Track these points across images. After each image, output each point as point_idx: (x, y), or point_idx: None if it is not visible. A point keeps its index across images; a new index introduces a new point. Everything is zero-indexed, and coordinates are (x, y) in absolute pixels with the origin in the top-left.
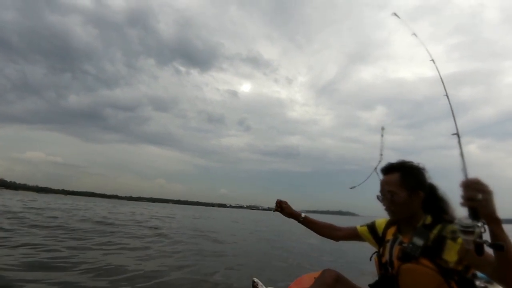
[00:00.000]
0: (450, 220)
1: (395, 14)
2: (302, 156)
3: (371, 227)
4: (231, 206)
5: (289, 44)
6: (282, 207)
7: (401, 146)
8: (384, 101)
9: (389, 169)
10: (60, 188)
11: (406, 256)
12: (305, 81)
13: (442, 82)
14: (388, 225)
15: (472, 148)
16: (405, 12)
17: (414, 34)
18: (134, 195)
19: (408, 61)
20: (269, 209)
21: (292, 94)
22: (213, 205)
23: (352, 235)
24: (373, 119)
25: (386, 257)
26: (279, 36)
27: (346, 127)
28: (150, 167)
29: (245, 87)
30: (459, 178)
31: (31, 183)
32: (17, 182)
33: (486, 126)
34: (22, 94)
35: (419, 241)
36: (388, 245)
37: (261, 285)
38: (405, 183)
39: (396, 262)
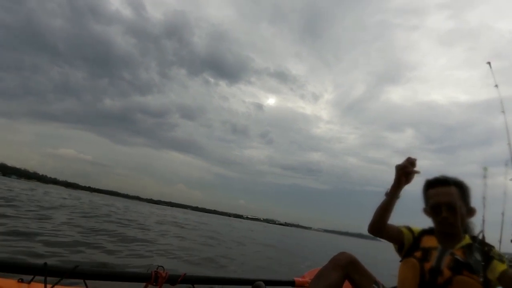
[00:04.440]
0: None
1: (489, 64)
2: (323, 173)
3: (410, 228)
4: (247, 218)
5: (317, 61)
6: (409, 175)
7: (428, 171)
8: (413, 124)
9: (446, 181)
10: (87, 185)
11: (460, 268)
12: (331, 99)
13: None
14: (424, 232)
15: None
16: (438, 36)
17: (496, 85)
18: (155, 198)
19: (442, 84)
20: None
21: (317, 111)
22: (229, 215)
23: (394, 234)
24: (400, 141)
25: (432, 264)
26: (308, 53)
27: (371, 148)
28: (172, 172)
29: (271, 101)
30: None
31: (61, 178)
32: (48, 176)
33: None
34: (62, 95)
35: (478, 258)
36: (435, 253)
37: None
38: (464, 198)
39: (446, 272)
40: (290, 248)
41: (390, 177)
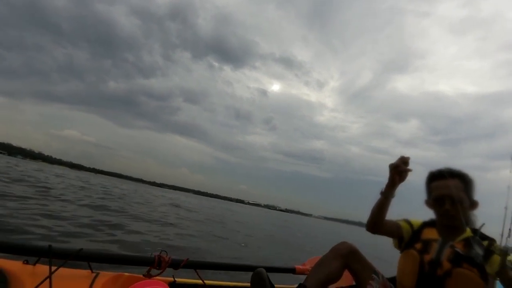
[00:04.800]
0: (486, 237)
1: None
2: (326, 161)
3: (408, 222)
4: (249, 203)
5: (324, 47)
6: (402, 174)
7: (431, 162)
8: (418, 114)
9: (450, 174)
10: (91, 167)
11: (460, 260)
12: (336, 86)
13: None
14: (424, 225)
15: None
16: (449, 24)
17: None
18: (158, 181)
19: (450, 75)
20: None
21: (322, 98)
22: (231, 199)
23: (392, 229)
24: (404, 131)
25: (432, 256)
26: (315, 39)
27: (374, 137)
28: (175, 155)
29: (275, 87)
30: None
31: (65, 158)
32: (53, 156)
33: None
34: (66, 76)
35: (479, 250)
36: (435, 245)
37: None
38: (468, 191)
39: (446, 264)
40: (291, 234)
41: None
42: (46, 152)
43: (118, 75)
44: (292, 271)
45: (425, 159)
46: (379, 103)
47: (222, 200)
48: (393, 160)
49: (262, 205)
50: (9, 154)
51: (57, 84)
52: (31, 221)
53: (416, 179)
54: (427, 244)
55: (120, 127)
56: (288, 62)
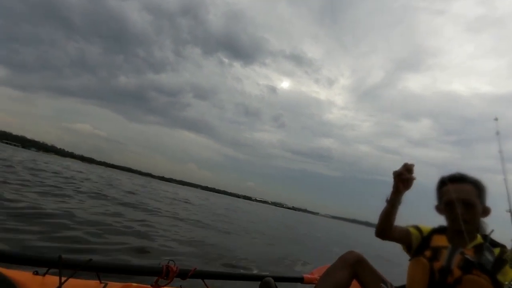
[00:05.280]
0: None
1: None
2: (334, 160)
3: (418, 228)
4: (256, 200)
5: (335, 44)
6: (406, 182)
7: (443, 163)
8: (431, 114)
9: (462, 179)
10: (102, 161)
11: (470, 267)
12: (347, 84)
13: None
14: (434, 232)
15: None
16: (464, 22)
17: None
18: (166, 176)
19: (464, 74)
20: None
21: (332, 96)
22: (238, 196)
23: (401, 235)
24: (416, 131)
25: (442, 263)
26: (325, 36)
27: (384, 136)
28: (183, 151)
29: (285, 84)
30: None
31: (77, 152)
32: (66, 149)
33: None
34: (78, 70)
35: (490, 257)
36: (445, 252)
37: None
38: (480, 197)
39: (456, 271)
40: (299, 232)
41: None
42: (59, 145)
43: (129, 70)
44: (300, 280)
45: (436, 160)
46: (390, 102)
47: (229, 196)
48: (403, 161)
49: (269, 202)
50: (23, 147)
51: (69, 78)
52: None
53: (427, 181)
54: (436, 251)
55: (130, 121)
56: (298, 59)
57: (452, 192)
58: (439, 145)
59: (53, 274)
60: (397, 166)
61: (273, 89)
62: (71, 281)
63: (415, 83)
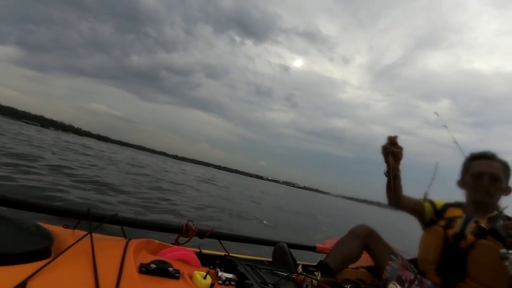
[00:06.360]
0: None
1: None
2: (346, 140)
3: (431, 202)
4: (268, 179)
5: (352, 20)
6: (396, 152)
7: (460, 145)
8: (450, 94)
9: (492, 157)
10: (118, 139)
11: (484, 234)
12: (363, 63)
13: None
14: (448, 205)
15: None
16: None
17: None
18: (180, 155)
19: (489, 52)
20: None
21: (346, 75)
22: (250, 175)
23: (414, 206)
24: (434, 111)
25: (456, 230)
26: (341, 11)
27: (400, 117)
28: (195, 130)
29: (297, 63)
30: None
31: (93, 131)
32: (83, 129)
33: None
34: (92, 50)
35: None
36: (459, 220)
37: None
38: (506, 175)
39: (470, 237)
40: (311, 211)
41: (417, 149)
42: (76, 125)
43: (141, 50)
44: (313, 249)
45: (453, 142)
46: (408, 81)
47: (242, 175)
48: (420, 142)
49: (281, 181)
50: (42, 126)
51: (83, 58)
52: None
53: (444, 163)
54: (451, 220)
55: (143, 101)
56: (311, 37)
57: (482, 165)
58: (457, 127)
59: (81, 228)
60: (413, 148)
61: (285, 68)
62: (99, 235)
63: (435, 62)
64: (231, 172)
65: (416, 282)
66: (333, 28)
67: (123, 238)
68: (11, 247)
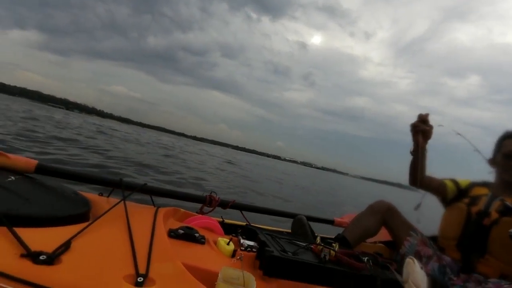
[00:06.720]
0: None
1: None
2: (366, 119)
3: (455, 181)
4: (285, 160)
5: None
6: (426, 130)
7: (489, 124)
8: (480, 69)
9: None
10: (138, 121)
11: (509, 212)
12: (386, 37)
13: None
14: (474, 184)
15: None
16: None
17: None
18: (198, 136)
19: None
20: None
21: (368, 51)
22: (268, 155)
23: (436, 186)
24: (461, 88)
25: (480, 207)
26: None
27: (425, 95)
28: (214, 111)
29: (316, 39)
30: None
31: (115, 113)
32: (105, 111)
33: None
34: (110, 32)
35: None
36: (484, 198)
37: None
38: None
39: (494, 214)
40: (329, 191)
41: (442, 129)
42: (99, 107)
43: (157, 30)
44: (331, 222)
45: (482, 120)
46: (434, 57)
47: (260, 156)
48: (445, 122)
49: (299, 162)
50: (67, 109)
51: (102, 41)
52: None
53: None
54: (476, 198)
55: (161, 82)
56: (331, 11)
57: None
58: (486, 105)
59: (115, 196)
60: (437, 128)
61: (303, 45)
62: (130, 202)
63: (464, 35)
64: (248, 152)
65: (435, 257)
66: (355, 1)
67: (153, 206)
68: (56, 210)
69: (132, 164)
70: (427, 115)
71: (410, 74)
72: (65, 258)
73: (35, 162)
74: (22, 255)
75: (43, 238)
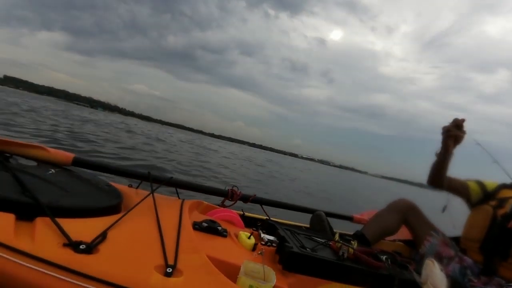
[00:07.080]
0: None
1: None
2: (387, 117)
3: (481, 183)
4: (302, 158)
5: None
6: (460, 136)
7: None
8: (510, 63)
9: None
10: (158, 119)
11: None
12: (409, 32)
13: None
14: (502, 186)
15: None
16: None
17: None
18: (216, 133)
19: None
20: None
21: (389, 47)
22: (285, 153)
23: (458, 188)
24: (489, 84)
25: (507, 209)
26: None
27: (450, 91)
28: (231, 109)
29: (335, 35)
30: None
31: (136, 111)
32: (126, 109)
33: None
34: (131, 32)
35: None
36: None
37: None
38: None
39: None
40: (348, 189)
41: (469, 127)
42: (120, 105)
43: (176, 29)
44: (350, 219)
45: (509, 118)
46: (460, 51)
47: (276, 153)
48: (472, 119)
49: (316, 160)
50: (91, 107)
51: (124, 41)
52: None
53: (498, 141)
54: (503, 201)
55: (180, 80)
56: (352, 5)
57: None
58: None
59: (143, 188)
60: (464, 126)
61: (322, 41)
62: (158, 194)
63: (494, 28)
64: (266, 150)
65: (456, 259)
66: None
67: (178, 198)
68: (93, 202)
69: (167, 160)
70: (463, 120)
71: (435, 69)
72: (102, 247)
73: (72, 155)
74: (65, 244)
75: (81, 228)
